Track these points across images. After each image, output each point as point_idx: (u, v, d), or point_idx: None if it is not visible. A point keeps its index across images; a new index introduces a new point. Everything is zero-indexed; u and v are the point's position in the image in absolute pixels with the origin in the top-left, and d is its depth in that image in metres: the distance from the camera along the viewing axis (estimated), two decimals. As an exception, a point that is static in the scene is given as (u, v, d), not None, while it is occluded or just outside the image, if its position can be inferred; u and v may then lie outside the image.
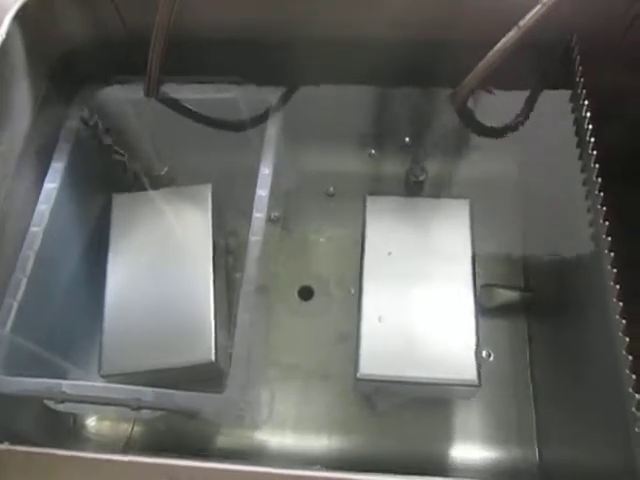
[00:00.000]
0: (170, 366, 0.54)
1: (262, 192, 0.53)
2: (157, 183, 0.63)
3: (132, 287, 0.58)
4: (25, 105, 0.54)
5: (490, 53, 0.51)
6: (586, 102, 0.51)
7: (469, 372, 0.53)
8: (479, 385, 0.52)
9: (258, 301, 0.55)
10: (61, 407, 0.46)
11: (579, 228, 0.53)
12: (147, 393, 0.46)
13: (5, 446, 0.37)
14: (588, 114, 0.51)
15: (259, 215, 0.52)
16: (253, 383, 0.58)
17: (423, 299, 0.56)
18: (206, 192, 0.61)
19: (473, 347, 0.54)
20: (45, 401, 0.48)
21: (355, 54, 0.58)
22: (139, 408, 0.44)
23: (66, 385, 0.46)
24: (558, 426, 0.56)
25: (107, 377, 0.55)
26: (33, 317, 0.51)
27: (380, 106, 0.63)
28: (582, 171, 0.49)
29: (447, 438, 0.59)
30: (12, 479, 0.36)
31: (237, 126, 0.62)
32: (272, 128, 0.58)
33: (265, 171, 0.54)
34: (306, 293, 0.66)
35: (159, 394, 0.46)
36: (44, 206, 0.54)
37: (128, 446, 0.59)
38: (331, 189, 0.68)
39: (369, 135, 0.66)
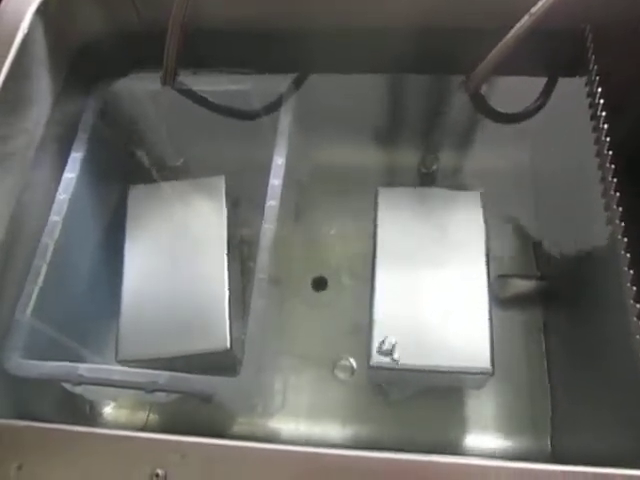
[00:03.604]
0: (185, 353, 0.55)
1: (275, 181, 0.54)
2: (172, 174, 0.64)
3: (148, 276, 0.59)
4: (45, 97, 0.55)
5: (503, 40, 0.52)
6: (599, 89, 0.51)
7: (483, 359, 0.53)
8: (492, 373, 0.52)
9: (271, 291, 0.56)
10: (78, 390, 0.47)
11: (594, 217, 0.53)
12: (162, 376, 0.46)
13: (24, 422, 0.38)
14: (602, 101, 0.50)
15: (272, 203, 0.53)
16: (266, 372, 0.58)
17: (436, 289, 0.56)
18: (220, 183, 0.62)
19: (487, 335, 0.54)
20: (63, 384, 0.49)
21: (368, 42, 0.58)
22: (154, 391, 0.45)
23: (83, 368, 0.47)
24: (573, 417, 0.55)
25: (123, 363, 0.55)
26: (52, 303, 0.52)
27: (393, 95, 0.64)
28: (597, 156, 0.49)
29: (460, 428, 0.58)
30: (30, 455, 0.37)
31: (251, 115, 0.62)
32: (285, 118, 0.58)
33: (278, 161, 0.55)
34: (319, 284, 0.66)
35: (174, 377, 0.47)
36: (63, 196, 0.55)
37: (144, 433, 0.60)
38: (343, 180, 0.68)
39: (382, 125, 0.66)
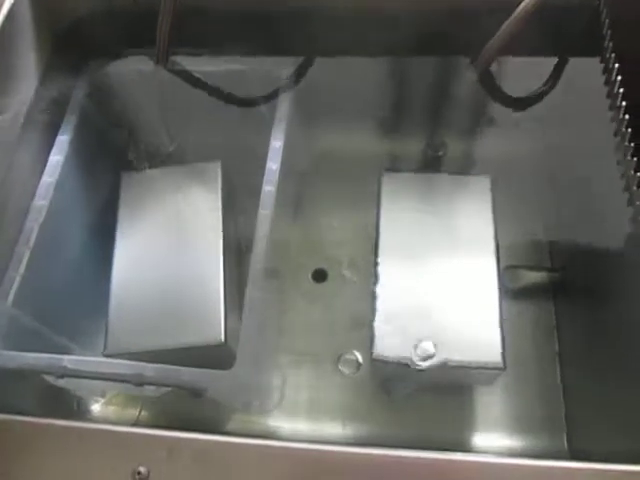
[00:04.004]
0: (178, 346, 0.52)
1: (273, 165, 0.51)
2: (166, 160, 0.61)
3: (140, 266, 0.56)
4: (30, 75, 0.53)
5: (512, 15, 0.49)
6: (617, 65, 0.48)
7: (493, 354, 0.50)
8: (504, 368, 0.49)
9: (269, 284, 0.53)
10: (61, 383, 0.44)
11: (610, 206, 0.50)
12: (150, 369, 0.44)
13: (3, 416, 0.35)
14: (619, 77, 0.48)
15: (269, 189, 0.50)
16: (264, 367, 0.56)
17: (442, 279, 0.53)
18: (215, 169, 0.60)
19: (497, 328, 0.51)
20: (45, 378, 0.46)
21: (372, 24, 0.55)
22: (142, 384, 0.42)
23: (67, 360, 0.44)
24: (590, 414, 0.52)
25: (112, 356, 0.53)
26: (36, 292, 0.50)
27: (398, 79, 0.61)
28: (615, 135, 0.46)
29: (468, 427, 0.55)
30: (10, 449, 0.34)
31: (249, 101, 0.60)
32: (284, 100, 0.56)
33: (276, 144, 0.52)
34: (320, 276, 0.63)
35: (163, 370, 0.44)
36: (49, 179, 0.52)
37: (134, 432, 0.57)
38: (345, 168, 0.66)
39: (386, 111, 0.63)
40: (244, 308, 0.46)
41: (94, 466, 0.33)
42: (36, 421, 0.36)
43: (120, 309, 0.54)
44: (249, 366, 0.44)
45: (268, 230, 0.48)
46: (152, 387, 0.43)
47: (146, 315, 0.54)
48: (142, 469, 0.31)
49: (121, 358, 0.51)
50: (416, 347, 0.49)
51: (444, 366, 0.49)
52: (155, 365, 0.44)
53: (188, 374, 0.44)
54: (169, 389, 0.44)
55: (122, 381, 0.43)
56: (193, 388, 0.43)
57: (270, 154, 0.51)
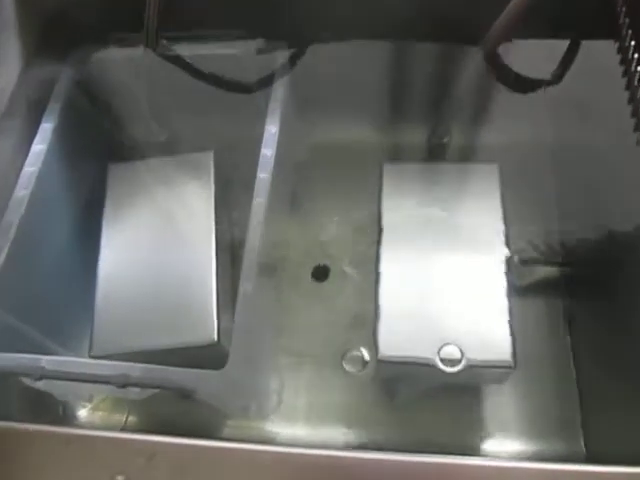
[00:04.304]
0: (168, 347, 0.50)
1: (267, 151, 0.48)
2: (156, 151, 0.58)
3: (127, 262, 0.54)
4: (13, 61, 0.50)
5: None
6: (636, 55, 0.45)
7: (503, 351, 0.47)
8: (514, 366, 0.46)
9: (266, 282, 0.51)
10: (40, 385, 0.41)
11: (625, 197, 0.48)
12: (135, 368, 0.40)
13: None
14: (636, 55, 0.45)
15: (264, 176, 0.47)
16: (259, 367, 0.53)
17: (448, 274, 0.51)
18: (208, 160, 0.57)
19: (506, 325, 0.48)
20: (23, 380, 0.43)
21: (372, 6, 0.52)
22: (126, 385, 0.39)
23: (46, 360, 0.41)
24: (608, 415, 0.49)
25: (98, 358, 0.50)
26: (16, 290, 0.47)
27: (399, 65, 0.58)
28: (635, 130, 0.43)
29: (477, 430, 0.52)
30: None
31: (244, 87, 0.57)
32: (280, 85, 0.53)
33: (272, 129, 0.49)
34: (320, 273, 0.60)
35: (149, 370, 0.41)
36: (31, 168, 0.49)
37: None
38: (345, 159, 0.63)
39: (388, 99, 0.60)
40: (237, 302, 0.43)
41: (68, 475, 0.30)
42: (8, 426, 0.33)
43: (107, 308, 0.52)
44: (242, 365, 0.41)
45: (262, 220, 0.45)
46: (136, 389, 0.40)
47: (134, 314, 0.51)
48: (120, 478, 0.28)
49: (108, 360, 0.49)
50: (439, 351, 0.46)
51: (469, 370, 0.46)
52: (140, 365, 0.41)
53: (176, 374, 0.41)
54: (155, 391, 0.40)
55: (105, 383, 0.40)
56: (181, 389, 0.40)
57: (265, 140, 0.49)
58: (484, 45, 0.49)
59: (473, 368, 0.47)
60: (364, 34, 0.55)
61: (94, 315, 0.51)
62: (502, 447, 0.52)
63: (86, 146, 0.56)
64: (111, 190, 0.56)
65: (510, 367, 0.46)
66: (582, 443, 0.51)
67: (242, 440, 0.32)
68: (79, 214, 0.56)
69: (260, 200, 0.46)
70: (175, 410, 0.53)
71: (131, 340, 0.50)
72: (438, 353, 0.47)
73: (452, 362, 0.46)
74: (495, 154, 0.58)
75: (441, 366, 0.47)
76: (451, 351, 0.47)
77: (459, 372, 0.48)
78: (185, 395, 0.40)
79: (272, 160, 0.48)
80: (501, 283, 0.50)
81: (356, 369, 0.55)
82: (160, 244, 0.54)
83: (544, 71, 0.54)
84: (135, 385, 0.39)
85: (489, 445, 0.52)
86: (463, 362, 0.46)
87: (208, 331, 0.50)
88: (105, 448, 0.30)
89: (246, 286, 0.43)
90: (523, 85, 0.52)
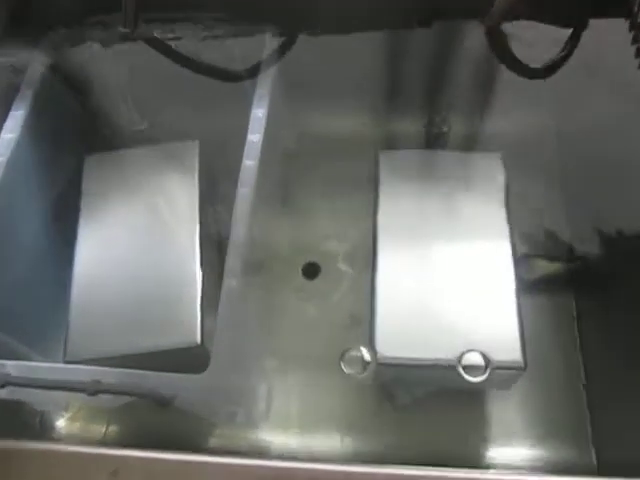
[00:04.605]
0: (149, 350, 0.47)
1: (254, 137, 0.45)
2: (137, 141, 0.54)
3: (105, 260, 0.50)
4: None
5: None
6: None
7: (512, 352, 0.43)
8: (525, 368, 0.43)
9: (254, 280, 0.48)
10: (3, 393, 0.37)
11: (635, 188, 0.44)
12: (109, 374, 0.37)
13: None
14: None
15: (250, 163, 0.43)
16: (245, 370, 0.49)
17: (451, 270, 0.48)
18: (192, 150, 0.54)
19: (515, 323, 0.45)
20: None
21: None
22: (97, 392, 0.35)
23: (11, 366, 0.38)
24: (619, 420, 0.46)
25: (74, 363, 0.46)
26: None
27: (394, 50, 0.55)
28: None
29: (482, 437, 0.50)
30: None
31: (231, 75, 0.53)
32: (268, 68, 0.49)
33: (259, 114, 0.46)
34: (311, 271, 0.58)
35: (124, 375, 0.37)
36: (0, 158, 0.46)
37: (101, 449, 0.50)
38: (338, 149, 0.59)
39: (381, 87, 0.57)
40: (220, 299, 0.39)
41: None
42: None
43: (82, 309, 0.48)
44: (225, 369, 0.37)
45: (248, 210, 0.42)
46: (110, 396, 0.36)
47: (112, 315, 0.48)
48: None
49: (85, 365, 0.46)
50: (460, 358, 0.42)
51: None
52: (115, 370, 0.37)
53: (153, 379, 0.37)
54: (131, 399, 0.37)
55: (74, 390, 0.36)
56: (159, 396, 0.36)
57: (251, 125, 0.45)
58: (487, 19, 0.46)
59: (479, 370, 0.44)
60: (357, 18, 0.52)
61: (69, 317, 0.48)
62: (507, 454, 0.49)
63: (61, 135, 0.53)
64: (88, 183, 0.53)
65: (521, 368, 0.43)
66: (593, 451, 0.49)
67: (216, 452, 0.29)
68: (53, 209, 0.53)
69: (245, 189, 0.42)
70: (159, 419, 0.51)
71: (109, 344, 0.47)
72: (445, 355, 0.44)
73: (475, 372, 0.43)
74: (498, 143, 0.55)
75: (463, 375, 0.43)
76: (473, 358, 0.43)
77: (464, 375, 0.45)
78: (163, 402, 0.36)
79: (259, 146, 0.44)
80: (507, 279, 0.47)
81: (353, 371, 0.51)
82: (140, 241, 0.51)
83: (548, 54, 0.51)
84: (107, 392, 0.35)
85: (494, 453, 0.49)
86: (469, 364, 0.43)
87: (191, 333, 0.47)
88: (67, 462, 0.26)
89: (230, 281, 0.40)
90: (526, 69, 0.49)
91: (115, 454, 0.27)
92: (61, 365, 0.42)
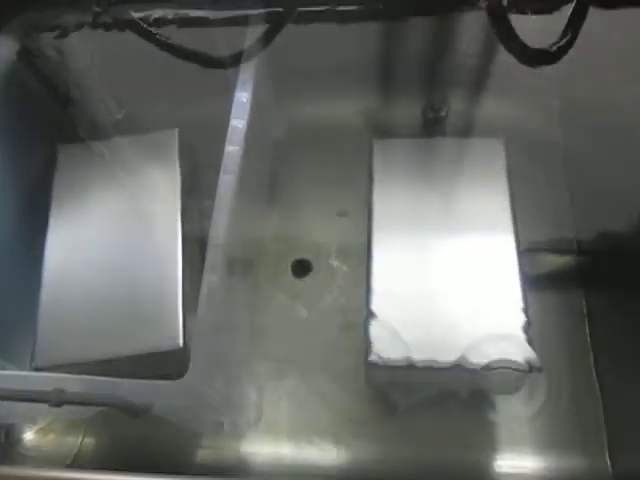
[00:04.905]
0: (126, 355, 0.44)
1: (238, 122, 0.42)
2: (113, 130, 0.51)
3: (78, 259, 0.47)
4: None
5: None
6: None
7: (520, 353, 0.40)
8: (539, 369, 0.41)
9: (240, 278, 0.46)
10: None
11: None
12: (75, 382, 0.33)
13: None
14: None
15: (233, 149, 0.40)
16: (234, 378, 0.46)
17: (451, 266, 0.45)
18: (171, 139, 0.51)
19: (523, 322, 0.42)
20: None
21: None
22: (61, 404, 0.31)
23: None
24: (637, 426, 0.43)
25: (43, 370, 0.43)
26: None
27: (387, 33, 0.52)
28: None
29: (487, 445, 0.46)
30: None
31: (215, 61, 0.50)
32: (253, 51, 0.46)
33: (242, 98, 0.42)
34: (301, 268, 0.54)
35: (92, 383, 0.34)
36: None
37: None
38: (329, 138, 0.56)
39: (376, 70, 0.54)
40: (200, 296, 0.36)
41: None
42: None
43: (52, 311, 0.46)
44: (206, 373, 0.34)
45: (232, 200, 0.38)
46: (76, 407, 0.32)
47: (85, 318, 0.45)
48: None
49: (55, 372, 0.42)
50: (443, 354, 0.41)
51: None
52: (82, 377, 0.33)
53: (126, 387, 0.34)
54: (100, 409, 0.33)
55: (35, 400, 0.32)
56: (132, 405, 0.32)
57: (234, 109, 0.42)
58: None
59: (483, 373, 0.41)
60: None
61: (37, 320, 0.45)
62: (515, 464, 0.46)
63: (31, 125, 0.50)
64: (60, 175, 0.50)
65: (531, 371, 0.40)
66: (607, 458, 0.46)
67: (225, 469, 0.25)
68: (21, 204, 0.50)
69: (228, 177, 0.39)
70: (141, 430, 0.48)
71: (82, 348, 0.44)
72: (446, 356, 0.41)
73: (459, 365, 0.40)
74: (499, 129, 0.52)
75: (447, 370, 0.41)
76: (455, 354, 0.41)
77: (466, 377, 0.42)
78: (137, 413, 0.33)
79: (243, 132, 0.41)
80: (513, 275, 0.44)
81: (347, 375, 0.48)
82: (116, 238, 0.48)
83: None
84: (72, 402, 0.32)
85: (500, 462, 0.46)
86: (473, 365, 0.40)
87: (172, 335, 0.44)
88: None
89: (211, 277, 0.37)
90: (530, 55, 0.46)
91: (58, 476, 0.23)
92: (20, 372, 0.38)
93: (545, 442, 0.46)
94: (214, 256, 0.37)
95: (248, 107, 0.42)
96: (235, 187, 0.39)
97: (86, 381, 0.34)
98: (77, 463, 0.46)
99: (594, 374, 0.48)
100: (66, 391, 0.32)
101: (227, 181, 0.39)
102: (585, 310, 0.50)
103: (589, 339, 0.49)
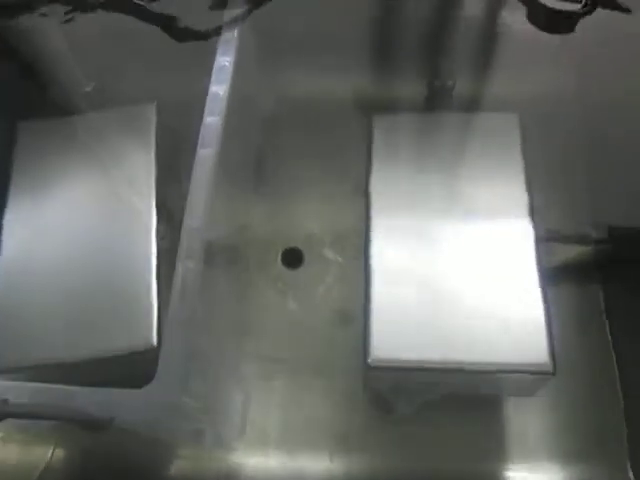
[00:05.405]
0: (95, 356, 0.41)
1: (219, 89, 0.37)
2: (82, 105, 0.46)
3: (39, 250, 0.44)
4: None
5: None
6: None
7: (536, 354, 0.37)
8: (554, 372, 0.37)
9: (225, 269, 0.44)
10: None
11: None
12: (23, 389, 0.28)
13: None
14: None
15: (212, 120, 0.35)
16: (216, 381, 0.42)
17: (459, 255, 0.42)
18: (149, 114, 0.47)
19: (541, 318, 0.38)
20: None
21: None
22: (5, 417, 0.26)
23: None
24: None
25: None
26: None
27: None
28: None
29: (497, 452, 0.44)
30: None
31: (198, 33, 0.45)
32: (236, 13, 0.41)
33: (223, 62, 0.38)
34: (293, 258, 0.51)
35: (44, 391, 0.29)
36: None
37: None
38: (323, 115, 0.53)
39: (374, 40, 0.49)
40: (173, 288, 0.31)
41: None
42: None
43: (9, 308, 0.42)
44: (177, 376, 0.29)
45: (211, 177, 0.33)
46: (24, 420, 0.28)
47: (47, 314, 0.42)
48: None
49: (13, 376, 0.39)
50: (448, 354, 0.37)
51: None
52: (31, 384, 0.29)
53: (84, 396, 0.29)
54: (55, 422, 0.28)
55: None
56: (91, 417, 0.27)
57: (214, 75, 0.38)
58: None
59: (497, 375, 0.37)
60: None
61: None
62: (528, 473, 0.43)
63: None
64: (20, 156, 0.47)
65: (549, 373, 0.37)
66: (629, 467, 0.43)
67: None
68: None
69: (207, 151, 0.34)
70: (118, 439, 0.43)
71: (43, 349, 0.40)
72: (455, 357, 0.37)
73: (467, 367, 0.37)
74: (513, 105, 0.47)
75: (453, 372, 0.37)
76: (465, 353, 0.37)
77: (477, 380, 0.37)
78: (97, 425, 0.28)
79: (224, 101, 0.36)
80: (529, 265, 0.41)
81: (342, 378, 0.44)
82: (84, 224, 0.44)
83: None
84: (15, 416, 0.27)
85: (512, 472, 0.43)
86: (484, 367, 0.36)
87: (145, 333, 0.40)
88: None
89: (186, 264, 0.32)
90: (550, 17, 0.42)
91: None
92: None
93: (562, 450, 0.43)
94: (190, 241, 0.32)
95: (230, 72, 0.37)
96: (215, 163, 0.34)
97: (34, 389, 0.29)
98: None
99: (616, 375, 0.44)
100: (9, 402, 0.27)
101: (205, 155, 0.34)
102: (603, 305, 0.47)
103: (609, 336, 0.46)
